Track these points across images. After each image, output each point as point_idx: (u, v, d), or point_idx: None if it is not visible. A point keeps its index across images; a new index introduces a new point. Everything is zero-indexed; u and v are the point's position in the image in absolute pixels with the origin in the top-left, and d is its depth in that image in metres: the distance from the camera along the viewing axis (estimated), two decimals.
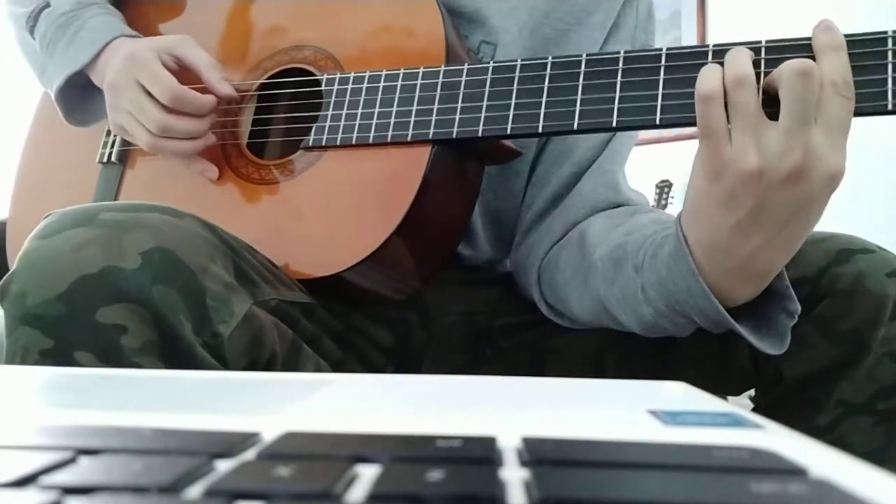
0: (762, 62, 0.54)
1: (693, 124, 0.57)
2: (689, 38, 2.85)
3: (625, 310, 0.61)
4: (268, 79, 0.75)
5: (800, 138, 0.48)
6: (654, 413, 0.24)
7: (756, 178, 0.49)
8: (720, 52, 0.57)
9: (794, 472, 0.17)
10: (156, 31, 0.84)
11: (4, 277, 0.50)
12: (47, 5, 0.78)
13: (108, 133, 0.83)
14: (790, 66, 0.48)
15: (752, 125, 0.49)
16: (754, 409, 0.67)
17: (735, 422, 0.23)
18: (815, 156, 0.48)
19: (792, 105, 0.48)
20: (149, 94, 0.70)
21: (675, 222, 0.56)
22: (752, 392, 0.70)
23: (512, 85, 0.63)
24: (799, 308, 0.55)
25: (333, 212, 0.67)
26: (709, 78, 0.51)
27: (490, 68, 0.64)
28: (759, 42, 0.55)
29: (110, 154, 0.81)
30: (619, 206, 0.73)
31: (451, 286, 0.77)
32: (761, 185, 0.49)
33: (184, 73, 0.72)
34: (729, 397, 0.94)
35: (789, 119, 0.48)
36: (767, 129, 0.49)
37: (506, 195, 0.77)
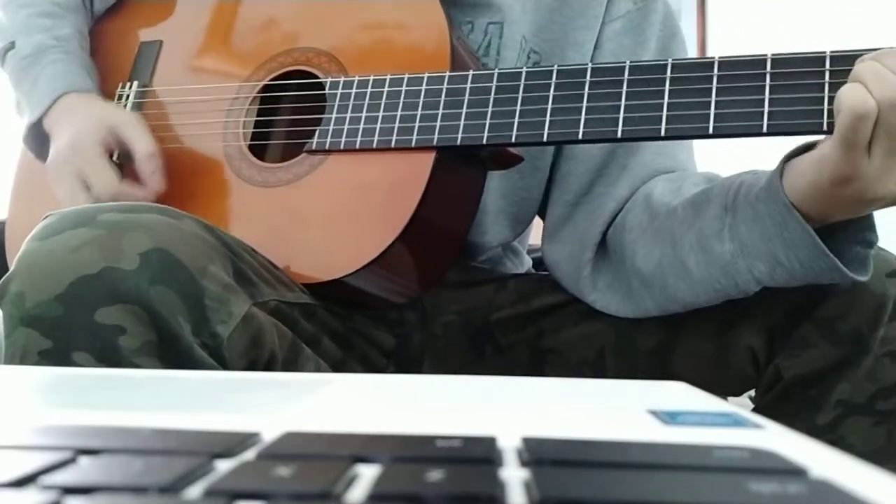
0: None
1: (698, 136, 0.57)
2: (689, 38, 2.84)
3: (698, 252, 0.62)
4: (270, 80, 0.75)
5: None
6: (654, 413, 0.24)
7: (885, 200, 0.52)
8: (727, 65, 0.57)
9: (795, 472, 0.17)
10: (156, 32, 0.84)
11: (3, 278, 0.50)
12: (12, 46, 0.77)
13: None
14: None
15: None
16: (754, 409, 0.67)
17: (735, 422, 0.23)
18: None
19: None
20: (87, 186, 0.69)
21: (773, 189, 0.57)
22: (752, 392, 0.70)
23: (517, 93, 0.63)
24: (875, 238, 0.58)
25: (336, 216, 0.67)
26: (864, 96, 0.50)
27: (495, 75, 0.64)
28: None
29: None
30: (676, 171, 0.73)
31: (448, 287, 0.77)
32: (887, 202, 0.52)
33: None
34: (729, 397, 0.94)
35: None
36: None
37: (532, 173, 0.76)
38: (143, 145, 0.71)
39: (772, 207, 0.56)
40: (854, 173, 0.51)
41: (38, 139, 0.77)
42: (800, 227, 0.55)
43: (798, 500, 0.15)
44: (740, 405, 0.30)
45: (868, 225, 0.57)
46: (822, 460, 0.18)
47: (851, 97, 0.50)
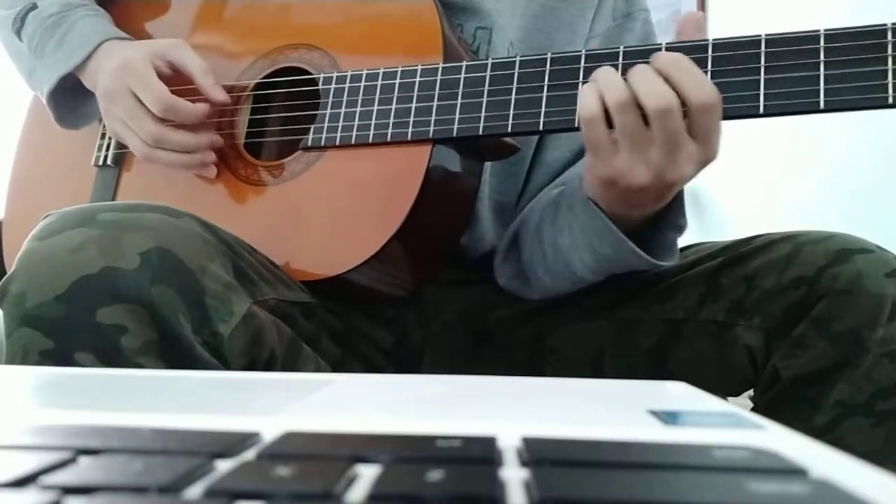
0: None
1: None
2: None
3: (549, 246, 0.68)
4: (263, 78, 0.75)
5: (680, 153, 0.54)
6: (654, 413, 0.24)
7: (646, 189, 0.56)
8: (722, 46, 0.57)
9: (795, 472, 0.17)
10: (145, 30, 0.83)
11: (4, 278, 0.50)
12: (34, 7, 0.77)
13: (103, 136, 0.82)
14: (652, 107, 0.54)
15: (637, 144, 0.55)
16: (753, 410, 0.67)
17: (735, 422, 0.23)
18: (692, 162, 0.55)
19: (663, 136, 0.54)
20: (142, 103, 0.70)
21: (580, 189, 0.63)
22: (752, 392, 0.70)
23: (511, 83, 0.63)
24: (685, 223, 0.63)
25: (334, 213, 0.67)
26: (590, 102, 0.56)
27: (489, 65, 0.64)
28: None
29: (105, 157, 0.81)
30: None
31: (447, 286, 0.77)
32: (652, 192, 0.57)
33: (177, 76, 0.72)
34: (729, 397, 0.94)
35: (663, 143, 0.54)
36: (651, 145, 0.55)
37: (510, 179, 0.77)
38: (196, 62, 0.72)
39: (580, 204, 0.63)
40: (612, 173, 0.56)
41: (61, 99, 0.77)
42: (597, 217, 0.61)
43: (798, 500, 0.15)
44: (740, 405, 0.30)
45: (678, 210, 0.62)
46: (823, 460, 0.18)
47: (582, 105, 0.56)
